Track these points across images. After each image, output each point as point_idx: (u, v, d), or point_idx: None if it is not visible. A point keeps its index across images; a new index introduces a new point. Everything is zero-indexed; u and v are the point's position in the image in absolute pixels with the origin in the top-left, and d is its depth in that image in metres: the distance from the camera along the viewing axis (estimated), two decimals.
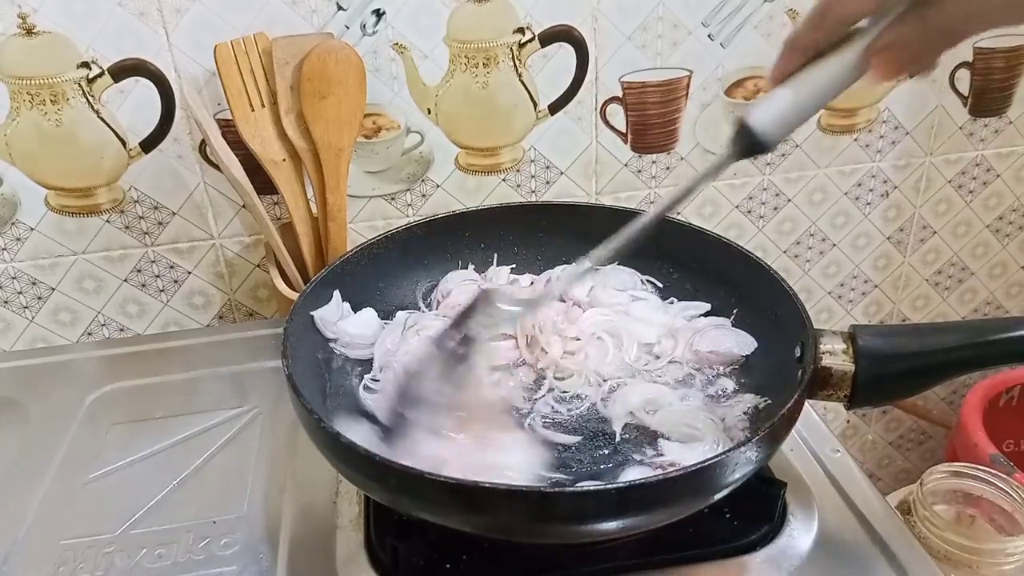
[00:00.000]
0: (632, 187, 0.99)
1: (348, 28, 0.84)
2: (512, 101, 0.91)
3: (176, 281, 0.94)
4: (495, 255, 0.75)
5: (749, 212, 1.04)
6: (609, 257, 0.54)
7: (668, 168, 0.98)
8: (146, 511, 0.62)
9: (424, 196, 0.95)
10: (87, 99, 0.82)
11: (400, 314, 0.70)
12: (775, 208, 1.05)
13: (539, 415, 0.60)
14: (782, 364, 0.60)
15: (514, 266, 0.75)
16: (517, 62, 0.89)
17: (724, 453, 0.47)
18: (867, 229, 1.09)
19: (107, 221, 0.89)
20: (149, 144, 0.86)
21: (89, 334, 0.95)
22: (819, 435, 0.67)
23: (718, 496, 0.49)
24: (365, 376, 0.64)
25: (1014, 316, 1.21)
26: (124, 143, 0.85)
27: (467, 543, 0.55)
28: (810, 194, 1.04)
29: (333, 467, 0.53)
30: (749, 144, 0.47)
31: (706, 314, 0.69)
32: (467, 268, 0.74)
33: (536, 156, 0.95)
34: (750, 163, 1.00)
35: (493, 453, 0.54)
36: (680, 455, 0.56)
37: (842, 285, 1.13)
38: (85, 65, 0.81)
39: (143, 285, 0.93)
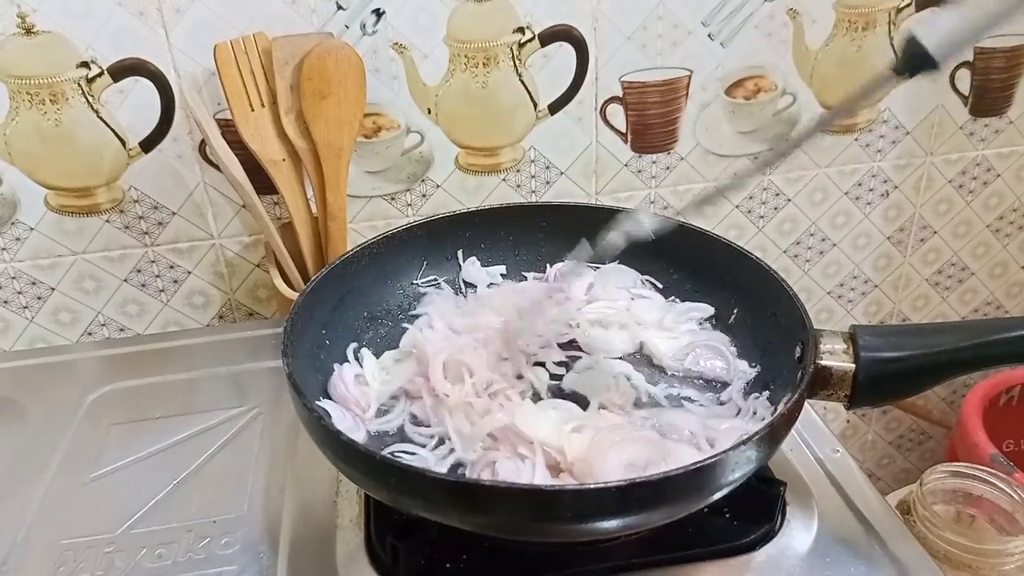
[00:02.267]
0: (632, 187, 0.99)
1: (348, 28, 0.84)
2: (512, 101, 0.91)
3: (176, 281, 0.94)
4: (495, 255, 0.75)
5: (749, 212, 1.04)
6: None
7: (668, 168, 0.98)
8: (146, 511, 0.62)
9: (424, 196, 0.95)
10: (87, 99, 0.82)
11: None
12: (775, 208, 1.05)
13: None
14: (782, 364, 0.60)
15: (504, 269, 0.75)
16: (517, 62, 0.89)
17: (724, 453, 0.47)
18: (867, 229, 1.09)
19: (107, 221, 0.89)
20: (149, 144, 0.86)
21: (89, 334, 0.95)
22: (819, 435, 0.67)
23: (718, 495, 0.49)
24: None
25: (1014, 316, 1.21)
26: (124, 143, 0.85)
27: (467, 543, 0.55)
28: (810, 194, 1.04)
29: (333, 466, 0.53)
30: (916, 59, 0.46)
31: (710, 317, 0.69)
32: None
33: (536, 156, 0.95)
34: (750, 163, 1.00)
35: None
36: None
37: (842, 285, 1.13)
38: (85, 65, 0.81)
39: (143, 285, 0.93)
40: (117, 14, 0.79)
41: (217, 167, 0.87)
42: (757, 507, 0.57)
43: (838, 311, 1.16)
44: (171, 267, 0.93)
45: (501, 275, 0.74)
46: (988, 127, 1.05)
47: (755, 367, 0.64)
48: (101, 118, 0.83)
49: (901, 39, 0.46)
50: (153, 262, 0.92)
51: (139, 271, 0.92)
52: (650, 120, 0.95)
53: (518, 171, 0.95)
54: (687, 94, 0.95)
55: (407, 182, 0.94)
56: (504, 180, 0.96)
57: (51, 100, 0.81)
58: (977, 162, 1.07)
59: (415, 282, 0.73)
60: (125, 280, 0.93)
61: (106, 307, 0.94)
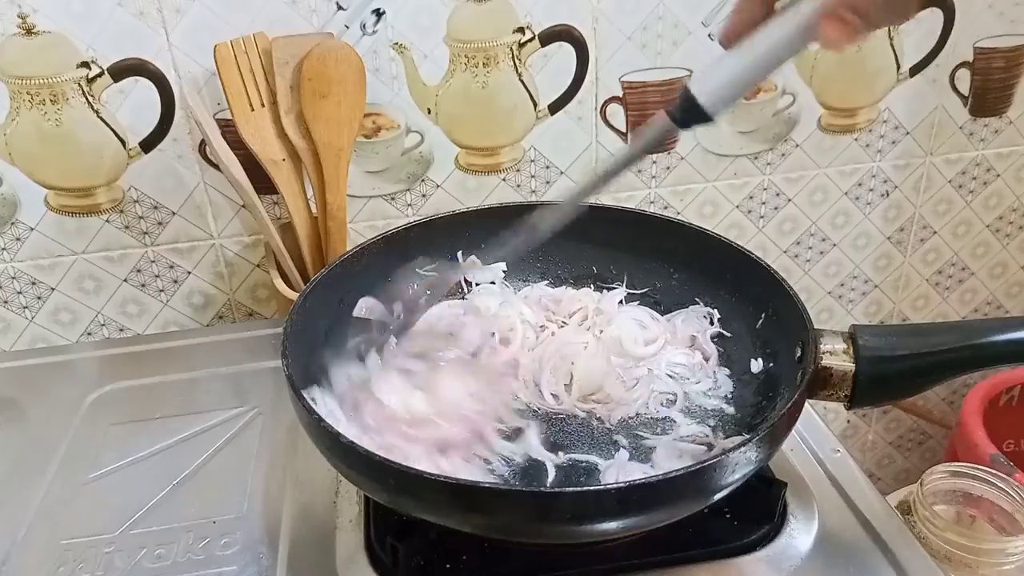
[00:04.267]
0: (632, 187, 0.99)
1: (348, 28, 0.84)
2: (512, 101, 0.91)
3: (176, 281, 0.94)
4: (495, 255, 0.75)
5: (749, 212, 1.04)
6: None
7: (668, 168, 0.98)
8: (146, 511, 0.62)
9: (424, 196, 0.95)
10: (87, 99, 0.82)
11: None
12: (775, 208, 1.04)
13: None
14: (783, 364, 0.60)
15: (506, 268, 0.75)
16: (517, 62, 0.89)
17: (724, 453, 0.47)
18: (867, 229, 1.09)
19: (107, 221, 0.89)
20: (149, 144, 0.86)
21: (89, 334, 0.95)
22: (819, 435, 0.67)
23: (718, 496, 0.49)
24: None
25: (1014, 316, 1.21)
26: (124, 143, 0.85)
27: (467, 543, 0.55)
28: (810, 194, 1.04)
29: (333, 467, 0.53)
30: (690, 112, 0.47)
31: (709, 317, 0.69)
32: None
33: (536, 156, 0.95)
34: (750, 163, 1.00)
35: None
36: None
37: (842, 285, 1.13)
38: (85, 65, 0.81)
39: (143, 285, 0.93)
40: (117, 14, 0.79)
41: (217, 167, 0.87)
42: (758, 507, 0.57)
43: (838, 311, 1.16)
44: (171, 267, 0.93)
45: (503, 271, 0.74)
46: (988, 127, 1.05)
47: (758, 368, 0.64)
48: (101, 118, 0.83)
49: (680, 90, 0.47)
50: (153, 262, 0.92)
51: (139, 271, 0.92)
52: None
53: (518, 171, 0.95)
54: None
55: (407, 182, 0.94)
56: (504, 180, 0.96)
57: (51, 100, 0.81)
58: (977, 162, 1.07)
59: (415, 281, 0.72)
60: (125, 280, 0.93)
61: (106, 307, 0.94)
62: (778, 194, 1.03)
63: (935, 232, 1.12)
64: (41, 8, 0.78)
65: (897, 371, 0.54)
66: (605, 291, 0.72)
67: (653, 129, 0.49)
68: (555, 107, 0.92)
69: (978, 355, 0.53)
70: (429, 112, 0.90)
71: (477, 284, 0.74)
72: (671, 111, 0.48)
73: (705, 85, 0.47)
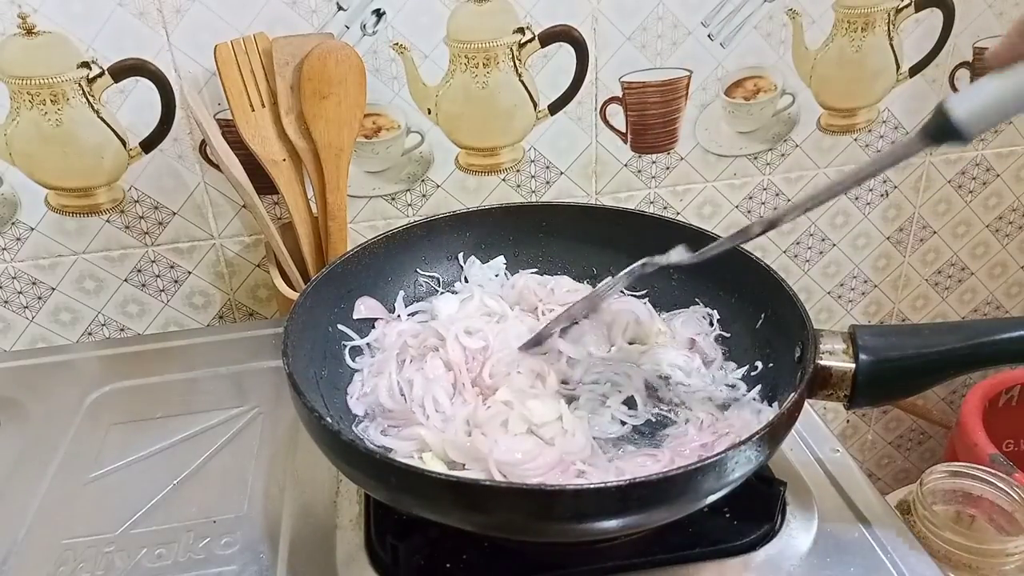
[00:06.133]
0: (632, 187, 0.99)
1: (348, 28, 0.84)
2: (512, 101, 0.91)
3: (176, 281, 0.94)
4: (495, 255, 0.75)
5: (749, 212, 1.04)
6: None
7: (668, 168, 0.98)
8: (146, 511, 0.62)
9: (424, 196, 0.95)
10: (87, 99, 0.82)
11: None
12: (775, 208, 1.05)
13: None
14: (782, 364, 0.60)
15: (507, 264, 0.75)
16: (517, 62, 0.89)
17: (724, 452, 0.47)
18: (867, 229, 1.09)
19: (107, 221, 0.89)
20: (149, 144, 0.86)
21: (89, 334, 0.95)
22: (819, 435, 0.67)
23: (718, 495, 0.49)
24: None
25: (1014, 316, 1.21)
26: (124, 143, 0.85)
27: (467, 542, 0.55)
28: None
29: (334, 466, 0.53)
30: (942, 130, 0.44)
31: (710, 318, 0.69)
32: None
33: (536, 156, 0.95)
34: (750, 163, 1.00)
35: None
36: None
37: (842, 285, 1.13)
38: (85, 65, 0.81)
39: (143, 285, 0.93)
40: (118, 14, 0.79)
41: (217, 167, 0.87)
42: (757, 507, 0.57)
43: (838, 311, 1.16)
44: (171, 267, 0.93)
45: (503, 263, 0.74)
46: None
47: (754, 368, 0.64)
48: (102, 118, 0.83)
49: (936, 107, 0.44)
50: (153, 262, 0.92)
51: (139, 271, 0.92)
52: (650, 120, 0.96)
53: (518, 171, 0.95)
54: (687, 94, 0.95)
55: (407, 182, 0.94)
56: (504, 180, 0.96)
57: (52, 100, 0.81)
58: (976, 162, 1.07)
59: (415, 281, 0.73)
60: (125, 280, 0.93)
61: (106, 307, 0.94)
62: (777, 194, 1.04)
63: (935, 232, 1.12)
64: (41, 8, 0.78)
65: (896, 371, 0.54)
66: None
67: (904, 145, 0.47)
68: (555, 107, 0.92)
69: (978, 355, 0.53)
70: (429, 112, 0.90)
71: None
72: (927, 127, 0.45)
73: (964, 104, 0.44)
